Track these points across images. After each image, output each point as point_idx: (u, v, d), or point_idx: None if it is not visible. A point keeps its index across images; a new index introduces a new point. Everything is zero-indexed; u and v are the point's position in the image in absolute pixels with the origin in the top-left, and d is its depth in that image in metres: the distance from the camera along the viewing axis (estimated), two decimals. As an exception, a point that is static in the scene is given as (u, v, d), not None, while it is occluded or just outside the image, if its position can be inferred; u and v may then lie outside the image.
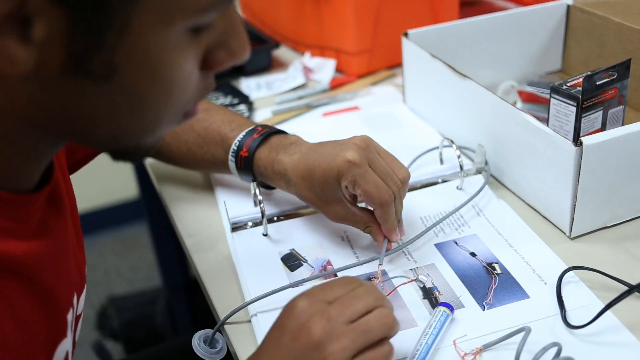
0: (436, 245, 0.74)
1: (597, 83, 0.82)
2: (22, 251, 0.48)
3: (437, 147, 0.88)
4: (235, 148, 0.78)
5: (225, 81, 1.16)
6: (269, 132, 0.78)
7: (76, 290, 0.59)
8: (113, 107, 0.44)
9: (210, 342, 0.65)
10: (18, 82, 0.42)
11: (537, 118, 0.77)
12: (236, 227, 0.79)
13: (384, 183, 0.67)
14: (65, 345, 0.55)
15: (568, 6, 1.08)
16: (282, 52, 1.27)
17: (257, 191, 0.76)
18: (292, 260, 0.73)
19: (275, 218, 0.80)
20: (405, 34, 0.99)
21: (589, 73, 0.82)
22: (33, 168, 0.50)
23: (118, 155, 0.51)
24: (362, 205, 0.73)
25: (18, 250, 0.47)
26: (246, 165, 0.77)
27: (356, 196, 0.71)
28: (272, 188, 0.81)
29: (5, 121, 0.44)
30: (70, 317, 0.57)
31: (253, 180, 0.78)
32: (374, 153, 0.69)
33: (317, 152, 0.71)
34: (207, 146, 0.81)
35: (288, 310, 0.54)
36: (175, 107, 0.47)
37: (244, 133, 0.78)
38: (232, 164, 0.79)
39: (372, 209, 0.70)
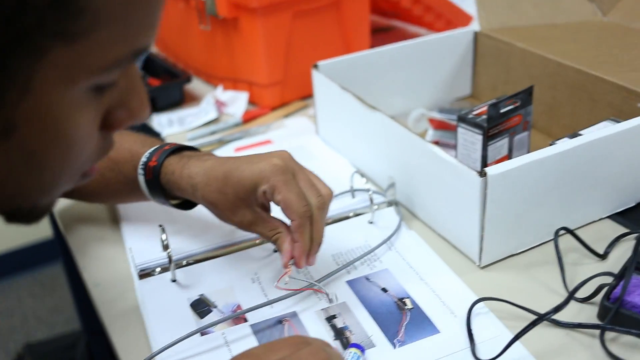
0: (348, 282, 0.73)
1: (501, 111, 0.83)
2: None
3: (348, 191, 0.87)
4: (145, 160, 0.75)
5: (135, 117, 1.13)
6: (182, 146, 0.77)
7: None
8: (10, 167, 0.42)
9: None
10: None
11: (448, 145, 0.78)
12: (144, 273, 0.76)
13: (304, 195, 0.67)
14: None
15: (475, 33, 1.10)
16: (195, 86, 1.25)
17: (164, 236, 0.74)
18: (201, 307, 0.71)
19: (184, 262, 0.78)
20: (315, 66, 0.98)
21: (493, 101, 0.83)
22: None
23: (12, 217, 0.49)
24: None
25: None
26: (154, 175, 0.74)
27: (268, 207, 0.70)
28: (184, 208, 0.78)
29: None
30: None
31: (163, 202, 0.76)
32: (299, 166, 0.69)
33: (237, 158, 0.71)
34: (117, 167, 0.78)
35: None
36: (73, 167, 0.46)
37: (155, 147, 0.77)
38: (140, 178, 0.75)
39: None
